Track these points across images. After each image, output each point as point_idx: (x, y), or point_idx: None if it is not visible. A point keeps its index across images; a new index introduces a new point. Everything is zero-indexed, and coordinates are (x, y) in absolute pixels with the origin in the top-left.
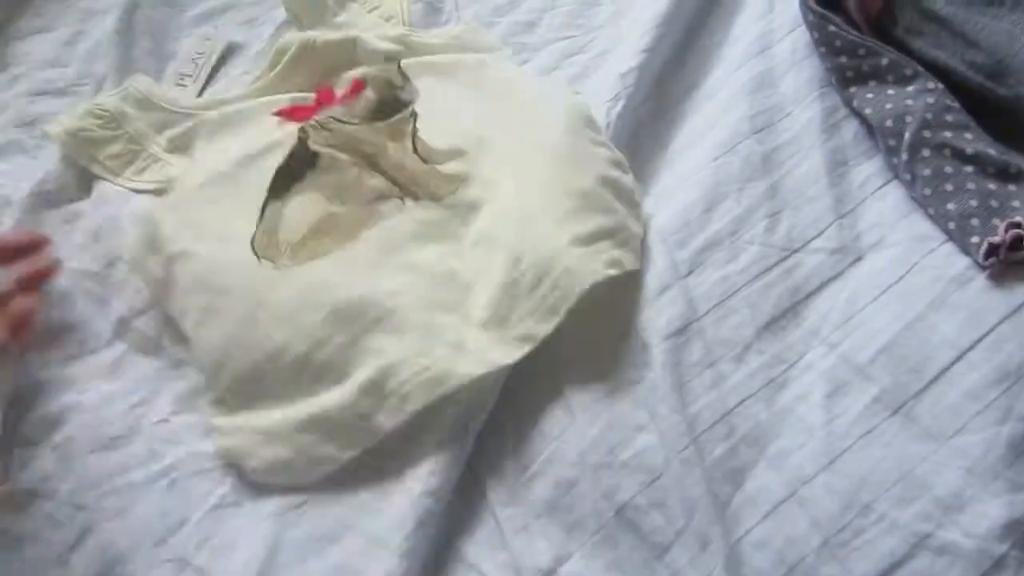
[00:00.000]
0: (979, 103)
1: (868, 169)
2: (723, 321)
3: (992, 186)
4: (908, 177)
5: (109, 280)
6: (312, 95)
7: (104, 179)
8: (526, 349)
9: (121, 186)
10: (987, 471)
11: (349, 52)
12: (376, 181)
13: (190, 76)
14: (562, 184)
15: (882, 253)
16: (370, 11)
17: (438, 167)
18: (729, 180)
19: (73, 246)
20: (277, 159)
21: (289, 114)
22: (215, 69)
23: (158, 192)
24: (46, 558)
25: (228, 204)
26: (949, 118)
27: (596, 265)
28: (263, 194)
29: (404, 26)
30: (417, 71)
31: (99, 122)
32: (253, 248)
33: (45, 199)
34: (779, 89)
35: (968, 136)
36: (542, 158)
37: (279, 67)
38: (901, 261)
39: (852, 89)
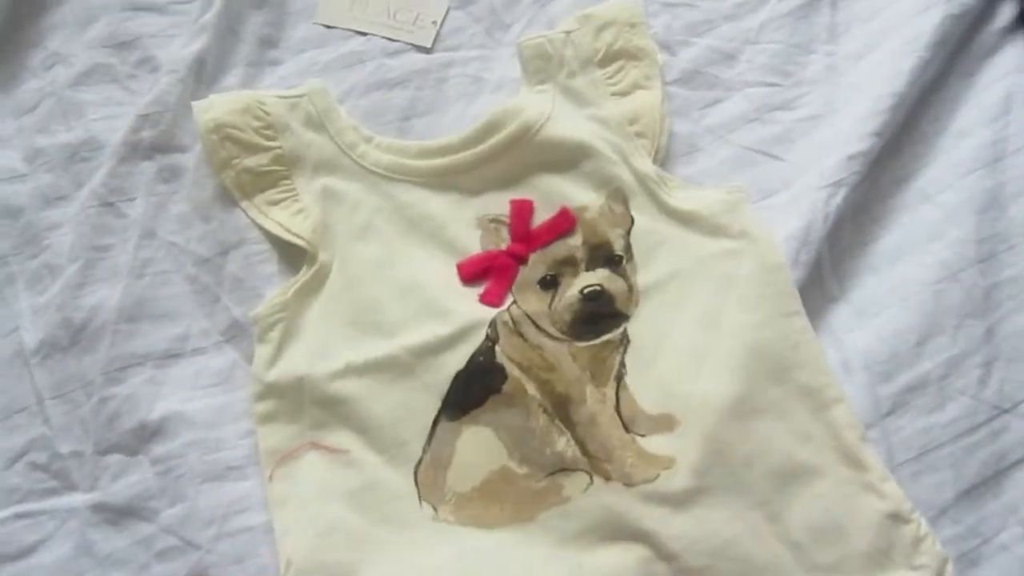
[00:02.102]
0: None
1: None
2: (920, 478)
3: None
4: None
5: (222, 271)
6: (506, 206)
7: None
8: None
9: (243, 212)
10: None
11: (572, 155)
12: (563, 443)
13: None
14: (798, 510)
15: None
16: (613, 94)
17: (640, 440)
18: (948, 312)
19: (173, 217)
20: (457, 357)
21: (478, 272)
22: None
23: (296, 238)
24: None
25: (389, 399)
26: None
27: None
28: (433, 398)
29: (655, 162)
30: (648, 245)
31: (257, 124)
32: (416, 480)
33: (142, 149)
34: (1007, 213)
35: None
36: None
37: (484, 147)
38: None
39: None
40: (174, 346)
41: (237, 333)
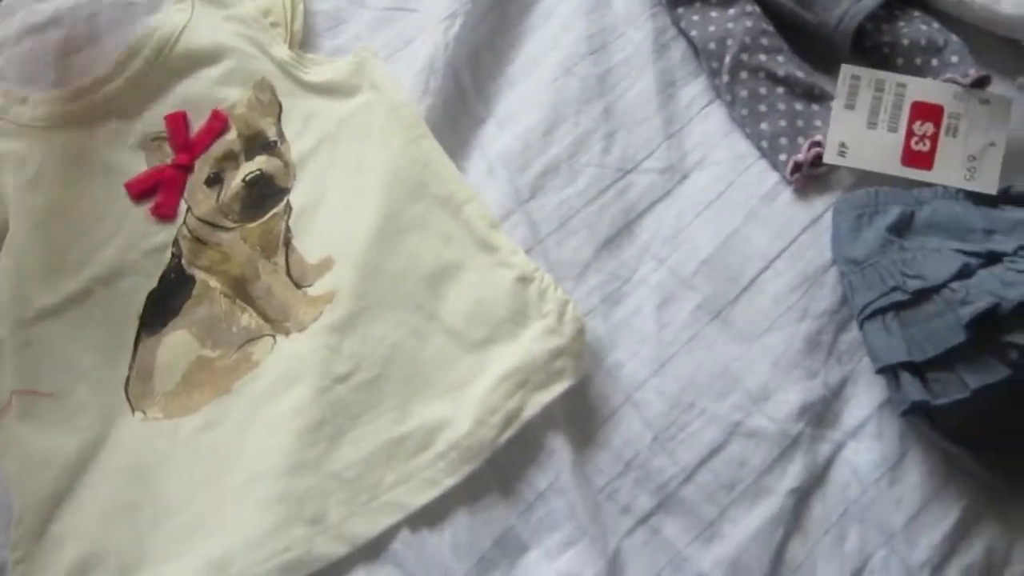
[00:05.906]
0: (791, 27)
1: (694, 89)
2: (564, 243)
3: (799, 107)
4: (728, 98)
5: None
6: (162, 124)
7: None
8: (390, 521)
9: None
10: (788, 363)
11: (213, 58)
12: (247, 317)
13: None
14: (451, 302)
15: (705, 171)
16: None
17: (308, 290)
18: (568, 102)
19: None
20: (149, 278)
21: (147, 189)
22: None
23: None
24: None
25: (90, 332)
26: (765, 41)
27: (493, 432)
28: (132, 320)
29: (291, 47)
30: (298, 123)
31: None
32: (127, 395)
33: None
34: (613, 8)
35: (780, 59)
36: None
37: (130, 72)
38: (721, 179)
39: (680, 10)
40: None
41: None
